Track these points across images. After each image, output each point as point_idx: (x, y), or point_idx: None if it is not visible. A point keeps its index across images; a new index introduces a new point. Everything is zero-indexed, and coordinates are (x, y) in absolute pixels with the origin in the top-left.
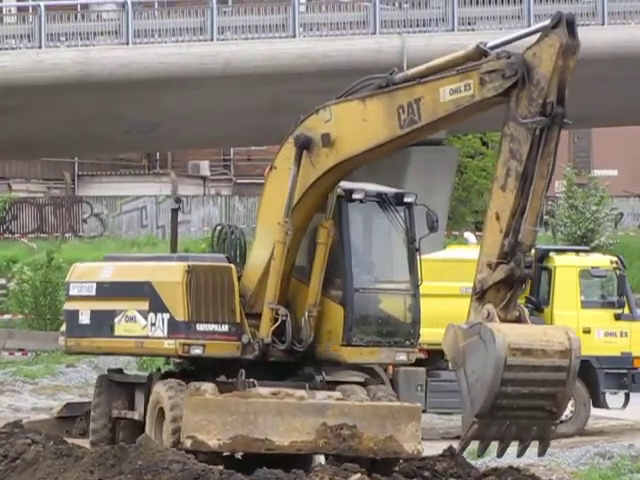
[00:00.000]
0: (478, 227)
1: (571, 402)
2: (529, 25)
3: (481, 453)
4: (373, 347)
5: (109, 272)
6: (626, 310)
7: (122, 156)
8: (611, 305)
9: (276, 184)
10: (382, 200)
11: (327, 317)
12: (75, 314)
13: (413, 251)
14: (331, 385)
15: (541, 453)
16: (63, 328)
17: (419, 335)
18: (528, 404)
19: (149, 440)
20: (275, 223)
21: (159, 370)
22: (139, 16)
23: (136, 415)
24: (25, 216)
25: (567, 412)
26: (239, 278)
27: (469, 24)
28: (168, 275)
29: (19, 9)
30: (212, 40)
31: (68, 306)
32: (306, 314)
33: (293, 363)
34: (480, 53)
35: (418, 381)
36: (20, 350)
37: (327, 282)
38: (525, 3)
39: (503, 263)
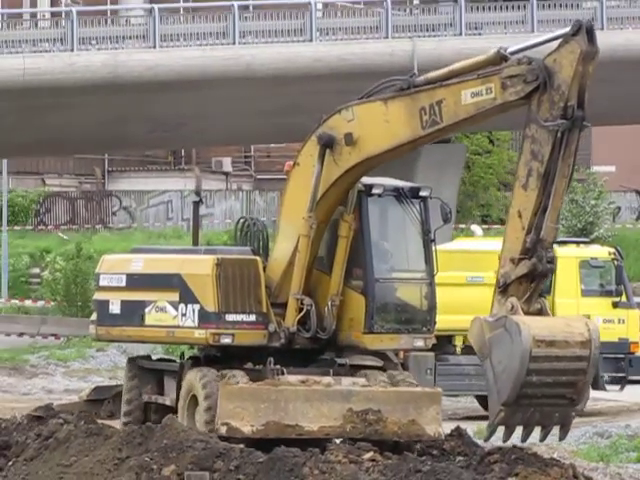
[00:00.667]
0: (484, 220)
1: None
2: (532, 30)
3: (506, 439)
4: (393, 334)
5: (139, 264)
6: (623, 298)
7: (149, 153)
8: (609, 293)
9: (299, 180)
10: (399, 194)
11: (349, 306)
12: (105, 304)
13: (428, 242)
14: (353, 370)
15: (562, 437)
16: (94, 317)
17: (435, 322)
18: (551, 392)
19: (174, 420)
20: (298, 217)
21: (182, 355)
22: (165, 21)
23: (167, 401)
24: (58, 209)
25: None
26: (263, 269)
27: (476, 29)
28: (198, 268)
29: (53, 14)
30: (234, 44)
31: (98, 296)
32: (329, 303)
33: (315, 349)
34: (500, 58)
35: (427, 365)
36: (53, 335)
37: (348, 273)
38: (529, 9)
39: (525, 258)
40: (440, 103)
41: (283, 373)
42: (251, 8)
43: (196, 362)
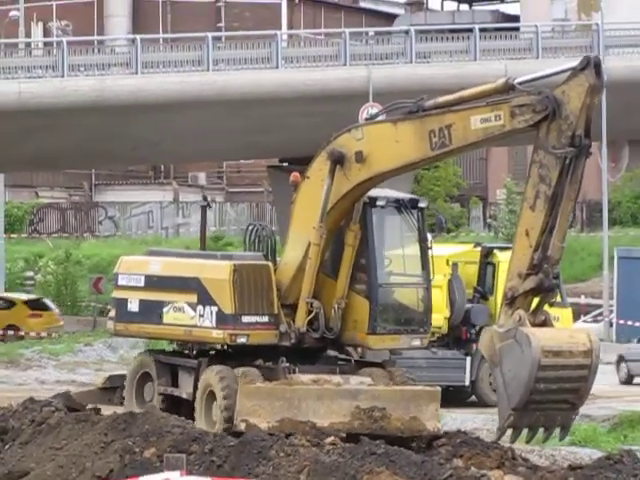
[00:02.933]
0: (432, 229)
1: None
2: (475, 58)
3: (514, 440)
4: (394, 334)
5: (157, 266)
6: (558, 298)
7: (132, 168)
8: None
9: (309, 193)
10: (400, 205)
11: (353, 308)
12: (124, 302)
13: (425, 249)
14: (356, 367)
15: (562, 438)
16: (112, 314)
17: (431, 323)
18: (556, 398)
19: (154, 408)
20: (308, 226)
21: (192, 349)
22: (146, 50)
23: (184, 394)
24: (50, 219)
25: None
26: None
27: (425, 57)
28: (216, 272)
29: (45, 44)
30: (208, 70)
31: (117, 294)
32: (335, 306)
33: (320, 348)
34: (508, 87)
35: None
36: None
37: (353, 277)
38: (472, 40)
39: (532, 274)
40: (450, 127)
41: (295, 371)
42: (223, 39)
43: (211, 359)
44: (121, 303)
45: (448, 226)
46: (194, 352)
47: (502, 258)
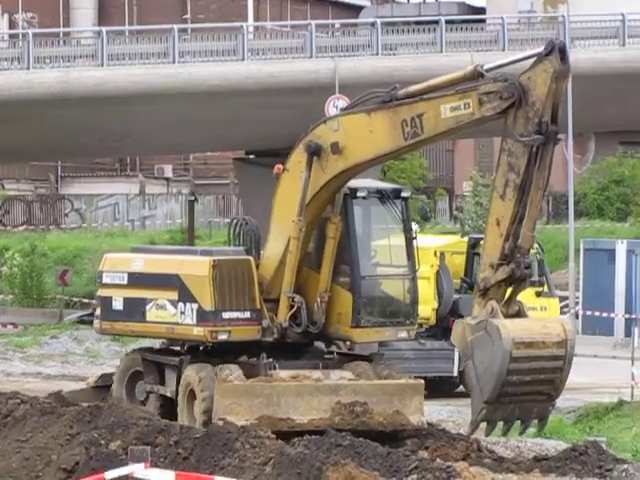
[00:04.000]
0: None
1: None
2: (441, 50)
3: (489, 434)
4: (379, 327)
5: (140, 263)
6: (545, 288)
7: (98, 160)
8: (533, 284)
9: (288, 185)
10: (382, 196)
11: (337, 302)
12: (108, 300)
13: (410, 240)
14: (341, 360)
15: (540, 429)
16: (97, 312)
17: (417, 314)
18: (530, 390)
19: (120, 400)
20: (288, 220)
21: (183, 345)
22: (112, 42)
23: (168, 392)
24: (16, 211)
25: None
26: (256, 268)
27: (391, 49)
28: (195, 269)
29: (10, 36)
30: (174, 62)
31: (101, 293)
32: (318, 300)
33: (305, 342)
34: (477, 74)
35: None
36: (11, 324)
37: (336, 270)
38: (438, 32)
39: (504, 264)
40: (421, 116)
41: (275, 368)
42: (189, 30)
43: (194, 356)
44: (106, 301)
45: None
46: (184, 349)
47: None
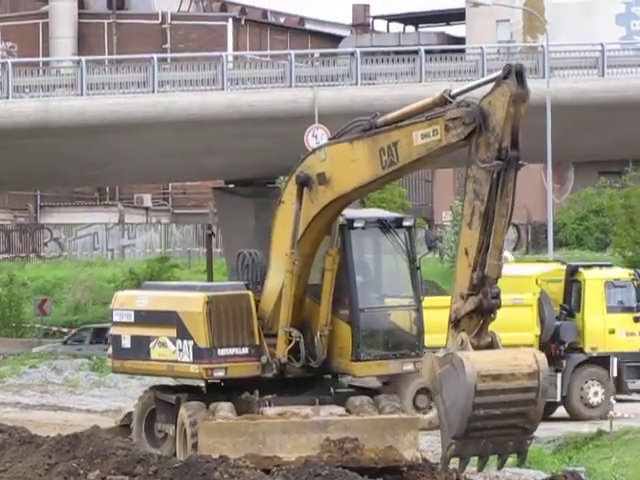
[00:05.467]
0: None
1: (602, 391)
2: (421, 80)
3: (462, 470)
4: (381, 360)
5: (144, 301)
6: None
7: (77, 189)
8: (630, 310)
9: (284, 217)
10: (382, 225)
11: (337, 335)
12: (119, 338)
13: (414, 269)
14: (345, 394)
15: (520, 464)
16: (110, 350)
17: (424, 345)
18: (501, 423)
19: (99, 429)
20: (284, 253)
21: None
22: (92, 71)
23: (170, 431)
24: None
25: (597, 399)
26: (258, 302)
27: (370, 79)
28: (190, 305)
29: None
30: (153, 92)
31: (113, 331)
32: (318, 333)
33: (309, 377)
34: (445, 100)
35: None
36: None
37: (336, 303)
38: (417, 61)
39: (473, 295)
40: (396, 144)
41: (270, 404)
42: (169, 60)
43: (192, 394)
44: (116, 340)
45: None
46: (201, 387)
47: (587, 276)
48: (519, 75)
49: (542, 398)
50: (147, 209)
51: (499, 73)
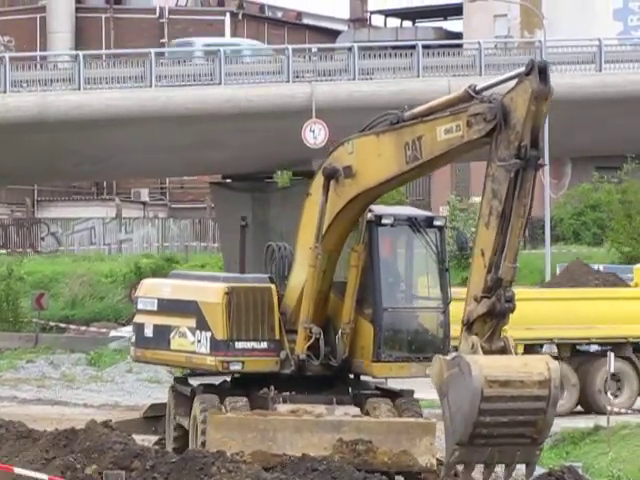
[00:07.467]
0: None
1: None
2: (418, 75)
3: (466, 477)
4: (403, 362)
5: (168, 289)
6: None
7: (75, 184)
8: None
9: (311, 210)
10: (412, 224)
11: (360, 334)
12: (141, 327)
13: (443, 271)
14: (364, 394)
15: (528, 476)
16: (132, 339)
17: (449, 349)
18: (509, 432)
19: (96, 424)
20: (309, 247)
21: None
22: (89, 66)
23: (185, 424)
24: None
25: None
26: (282, 296)
27: (368, 74)
28: (210, 296)
29: None
30: (151, 86)
31: (136, 319)
32: (340, 331)
33: (329, 376)
34: (469, 96)
35: None
36: None
37: (361, 301)
38: (415, 56)
39: (487, 297)
40: (420, 139)
41: (285, 401)
42: (166, 54)
43: (208, 387)
44: (139, 328)
45: None
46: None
47: None
48: (542, 71)
49: (552, 408)
50: (144, 204)
51: (522, 69)
